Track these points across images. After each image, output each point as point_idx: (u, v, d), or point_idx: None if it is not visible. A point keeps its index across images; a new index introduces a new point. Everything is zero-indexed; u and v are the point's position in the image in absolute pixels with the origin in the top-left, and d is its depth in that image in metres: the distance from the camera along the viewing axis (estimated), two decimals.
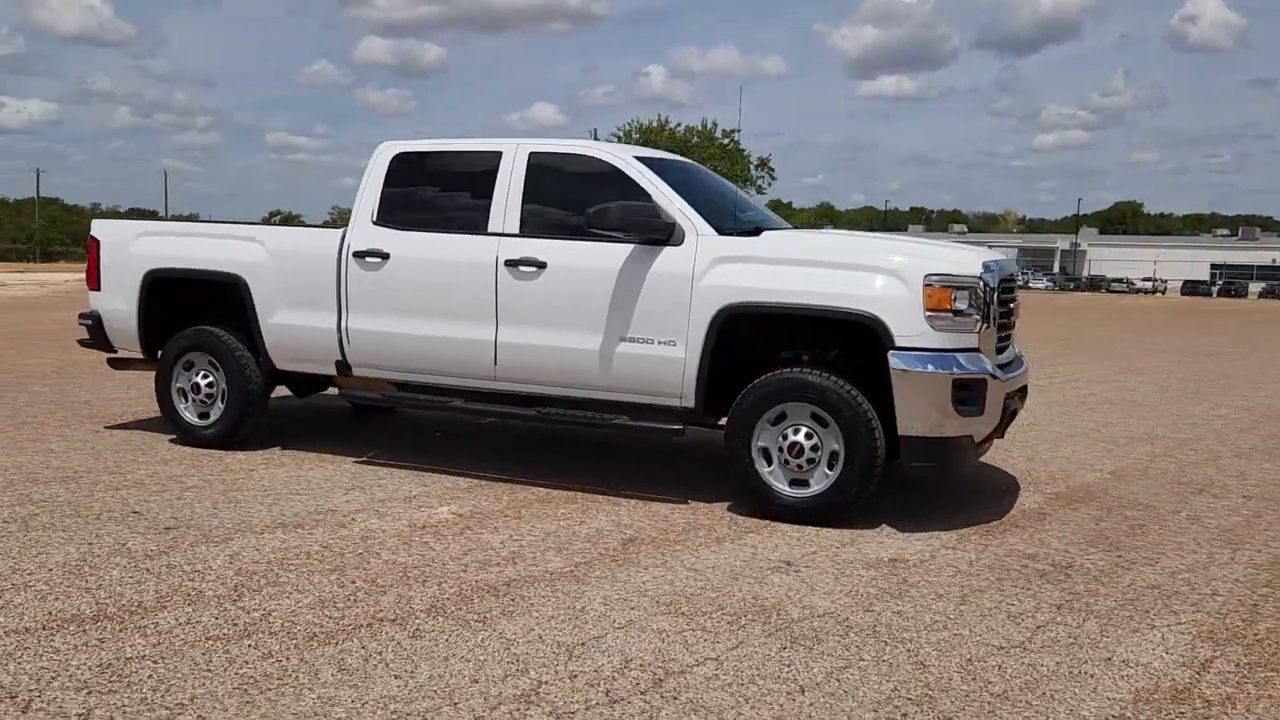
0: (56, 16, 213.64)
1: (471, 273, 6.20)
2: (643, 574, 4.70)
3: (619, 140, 57.30)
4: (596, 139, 54.77)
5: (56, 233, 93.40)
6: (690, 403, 5.80)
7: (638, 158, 6.18)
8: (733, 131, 57.99)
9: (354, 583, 4.49)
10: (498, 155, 6.35)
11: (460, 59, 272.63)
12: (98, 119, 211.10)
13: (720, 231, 5.81)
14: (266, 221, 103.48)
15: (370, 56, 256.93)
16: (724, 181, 7.38)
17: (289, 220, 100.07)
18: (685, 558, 4.96)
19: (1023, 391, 6.16)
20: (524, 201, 6.18)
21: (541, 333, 6.07)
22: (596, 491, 6.18)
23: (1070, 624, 4.23)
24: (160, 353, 7.28)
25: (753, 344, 5.79)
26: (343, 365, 6.73)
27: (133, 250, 7.24)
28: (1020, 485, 6.73)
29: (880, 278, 5.40)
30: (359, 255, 6.51)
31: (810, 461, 5.54)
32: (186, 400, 7.19)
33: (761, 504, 5.66)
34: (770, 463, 5.63)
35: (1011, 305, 6.05)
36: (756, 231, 5.93)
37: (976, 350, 5.45)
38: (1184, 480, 7.01)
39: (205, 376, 7.11)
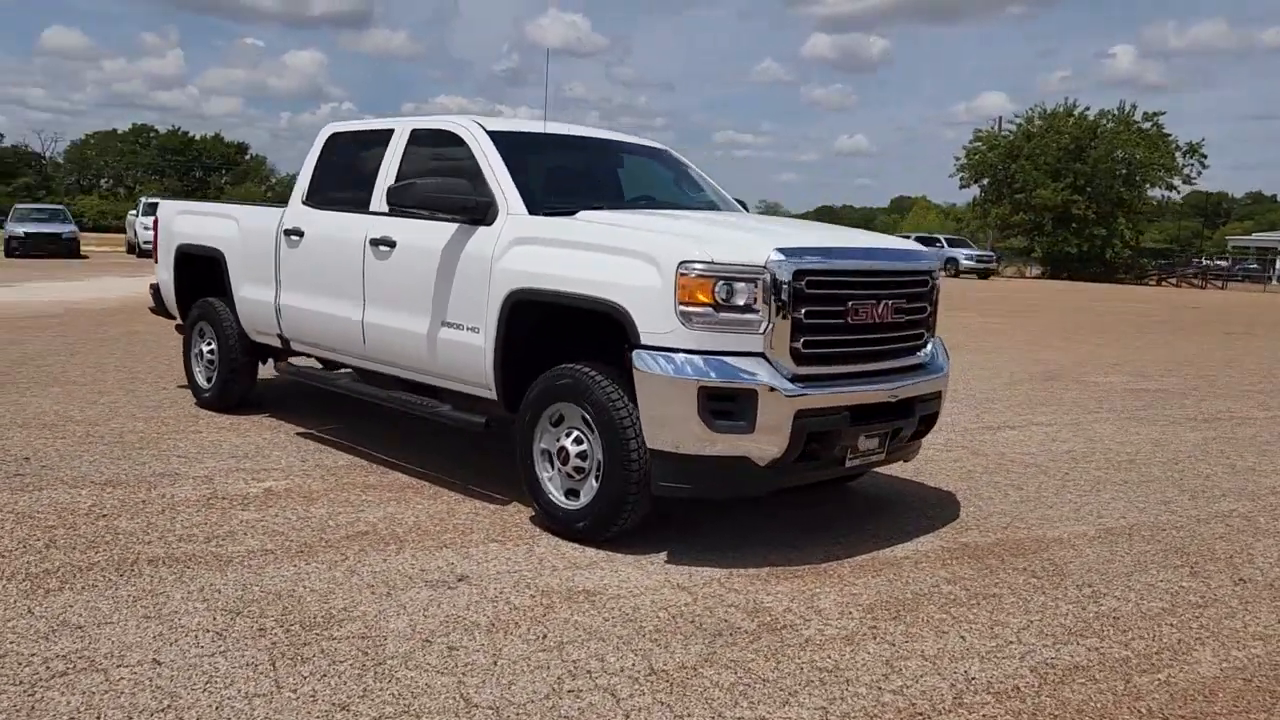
0: (544, 32, 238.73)
1: (350, 251, 6.18)
2: (287, 569, 4.46)
3: (1018, 126, 53.17)
4: (1000, 129, 51.44)
5: None
6: (494, 395, 5.36)
7: (499, 132, 5.79)
8: (1156, 115, 51.55)
9: (36, 540, 4.69)
10: (390, 133, 6.25)
11: (906, 50, 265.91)
12: (572, 122, 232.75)
13: (534, 211, 5.30)
14: None
15: (815, 52, 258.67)
16: (662, 167, 6.66)
17: None
18: (371, 559, 4.62)
19: (898, 408, 5.00)
20: (397, 180, 6.03)
21: (389, 313, 5.92)
22: (451, 483, 5.91)
23: (585, 695, 3.41)
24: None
25: (565, 334, 5.23)
26: (283, 339, 6.99)
27: (172, 228, 8.03)
28: (942, 526, 5.47)
29: (635, 263, 4.65)
30: (287, 233, 6.74)
31: (579, 470, 4.92)
32: (199, 365, 7.84)
33: (539, 511, 5.12)
34: (551, 468, 5.07)
35: (888, 302, 4.91)
36: (573, 212, 5.32)
37: (759, 355, 4.51)
38: (1189, 550, 5.30)
39: (209, 344, 7.72)
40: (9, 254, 29.69)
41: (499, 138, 5.73)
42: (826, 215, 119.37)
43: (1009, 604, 4.39)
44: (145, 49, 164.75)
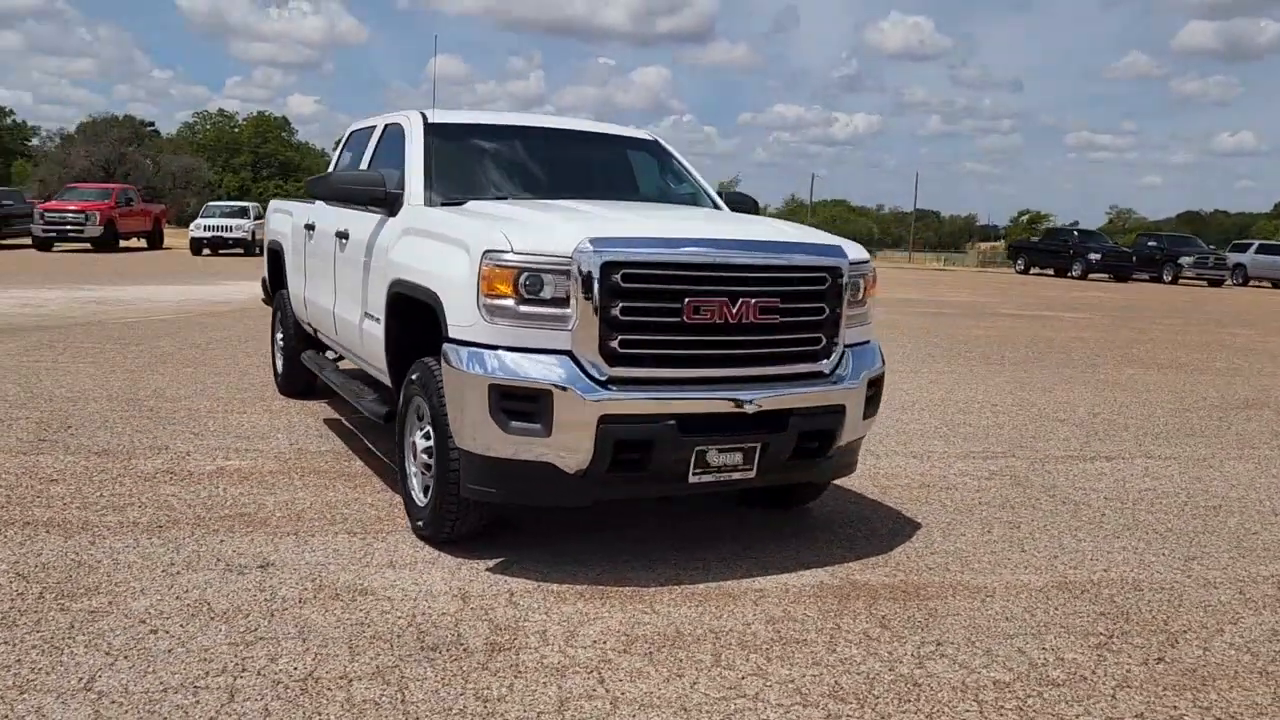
0: (885, 37, 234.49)
1: (328, 244, 6.39)
2: (125, 541, 4.66)
3: None
4: None
5: (834, 230, 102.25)
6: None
7: (440, 124, 5.75)
8: None
9: None
10: (374, 128, 6.40)
11: None
12: (911, 128, 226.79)
13: (430, 202, 5.22)
14: (1014, 221, 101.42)
15: (1190, 42, 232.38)
16: (648, 158, 6.28)
17: (1037, 219, 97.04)
18: (210, 539, 4.74)
19: (761, 421, 4.43)
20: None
21: (344, 303, 6.05)
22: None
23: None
24: None
25: (431, 327, 5.09)
26: (311, 328, 7.34)
27: (269, 224, 8.67)
28: (854, 560, 4.79)
29: (454, 252, 4.45)
30: (306, 227, 7.07)
31: (428, 468, 4.78)
32: (277, 351, 8.42)
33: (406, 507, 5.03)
34: (415, 464, 4.97)
35: (749, 301, 4.36)
36: (463, 202, 5.16)
37: (565, 353, 4.18)
38: (1138, 618, 4.28)
39: (281, 332, 8.26)
40: None
41: (438, 129, 5.69)
42: (1192, 221, 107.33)
43: (805, 654, 3.75)
44: (512, 72, 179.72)
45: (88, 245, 30.37)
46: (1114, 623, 4.17)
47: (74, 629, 3.70)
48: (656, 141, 6.46)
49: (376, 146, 6.16)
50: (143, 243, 33.67)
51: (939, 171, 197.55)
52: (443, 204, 5.17)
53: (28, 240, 30.38)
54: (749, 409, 4.36)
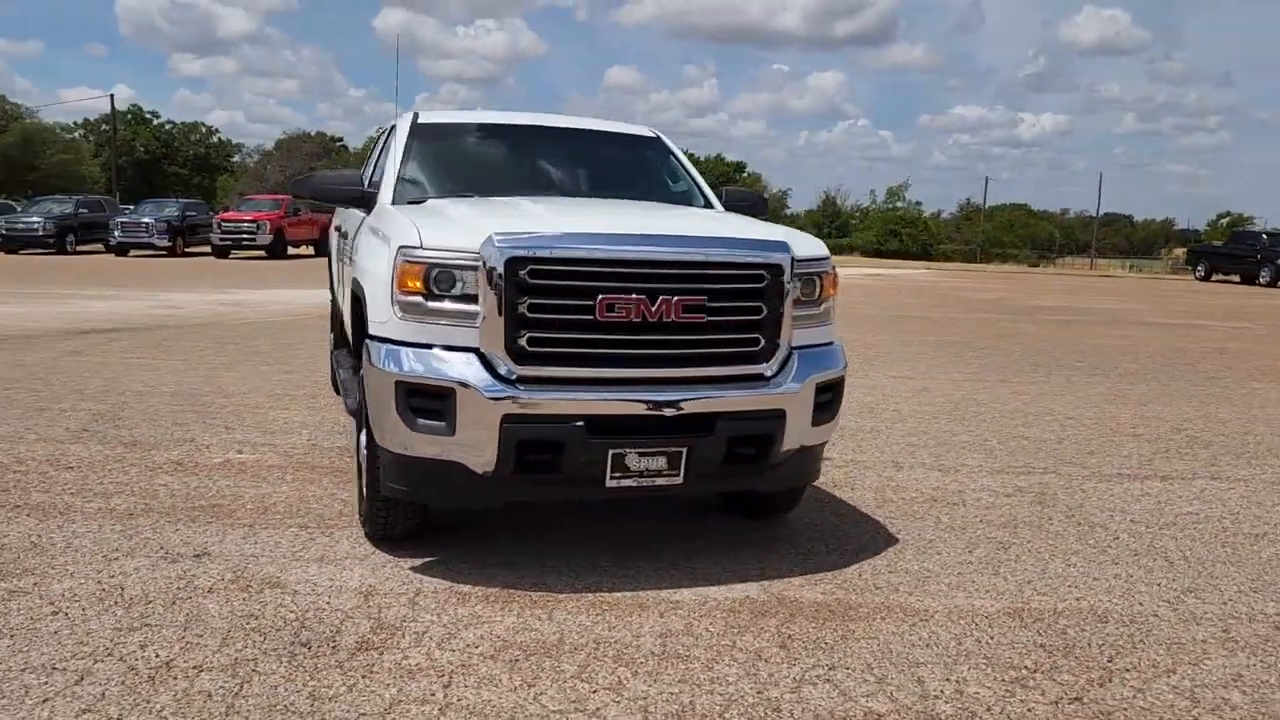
0: (1078, 31, 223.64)
1: (341, 244, 6.54)
2: (88, 527, 4.87)
3: None
4: None
5: (1012, 235, 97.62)
6: None
7: (428, 124, 5.81)
8: None
9: None
10: (386, 130, 6.52)
11: None
12: (1103, 127, 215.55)
13: (395, 201, 5.27)
14: (1212, 225, 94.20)
15: None
16: (650, 155, 6.12)
17: (1237, 222, 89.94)
18: (166, 529, 4.89)
19: (684, 424, 4.23)
20: (372, 175, 6.28)
21: (343, 303, 6.17)
22: None
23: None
24: None
25: None
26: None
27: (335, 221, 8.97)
28: (799, 575, 4.52)
29: (380, 248, 4.47)
30: (335, 229, 7.27)
31: None
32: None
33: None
34: None
35: (670, 299, 4.19)
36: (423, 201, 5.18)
37: (473, 350, 4.12)
38: (1082, 654, 3.85)
39: (332, 331, 8.52)
40: None
41: (423, 129, 5.74)
42: None
43: (677, 671, 3.55)
44: (686, 80, 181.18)
45: (261, 253, 32.29)
46: (1049, 656, 3.77)
47: None
48: (658, 139, 6.31)
49: (383, 147, 6.27)
50: (310, 250, 35.51)
51: (1133, 173, 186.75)
52: (408, 203, 5.18)
53: (209, 248, 32.61)
54: (667, 411, 4.17)
